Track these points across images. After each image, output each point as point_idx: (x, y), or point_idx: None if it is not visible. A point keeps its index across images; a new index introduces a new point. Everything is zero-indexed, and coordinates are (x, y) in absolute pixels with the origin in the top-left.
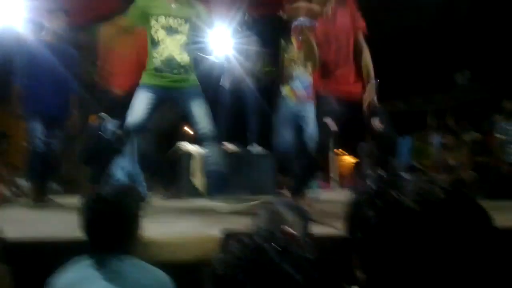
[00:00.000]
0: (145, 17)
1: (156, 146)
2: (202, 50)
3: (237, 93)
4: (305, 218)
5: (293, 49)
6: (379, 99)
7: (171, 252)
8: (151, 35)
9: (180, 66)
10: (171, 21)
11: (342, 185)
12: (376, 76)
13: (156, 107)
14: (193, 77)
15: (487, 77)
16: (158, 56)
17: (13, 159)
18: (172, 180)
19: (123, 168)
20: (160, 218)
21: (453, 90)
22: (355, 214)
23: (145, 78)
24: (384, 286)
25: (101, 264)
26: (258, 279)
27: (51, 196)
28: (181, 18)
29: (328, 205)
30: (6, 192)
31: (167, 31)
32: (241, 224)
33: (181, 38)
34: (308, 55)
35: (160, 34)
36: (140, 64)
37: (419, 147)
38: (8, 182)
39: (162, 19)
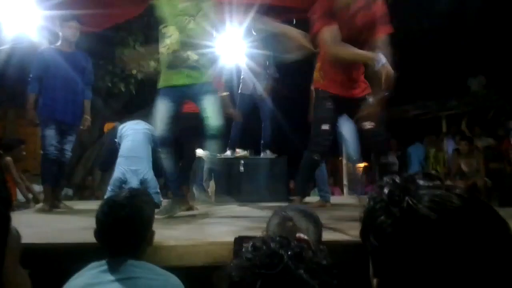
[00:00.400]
0: (160, 11)
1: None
2: (212, 50)
3: (252, 99)
4: (317, 224)
5: None
6: (391, 104)
7: (179, 257)
8: (166, 32)
9: (192, 62)
10: (185, 19)
11: (352, 190)
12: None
13: (177, 111)
14: (206, 74)
15: (502, 83)
16: (168, 50)
17: (29, 165)
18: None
19: (138, 175)
20: (170, 223)
21: (467, 96)
22: (370, 222)
23: (161, 80)
24: None
25: (114, 268)
26: (274, 285)
27: (64, 201)
28: (190, 16)
29: (339, 211)
30: (21, 197)
31: (182, 28)
32: (252, 229)
33: (191, 35)
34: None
35: (176, 32)
36: None
37: (432, 153)
38: (23, 187)
39: (177, 17)
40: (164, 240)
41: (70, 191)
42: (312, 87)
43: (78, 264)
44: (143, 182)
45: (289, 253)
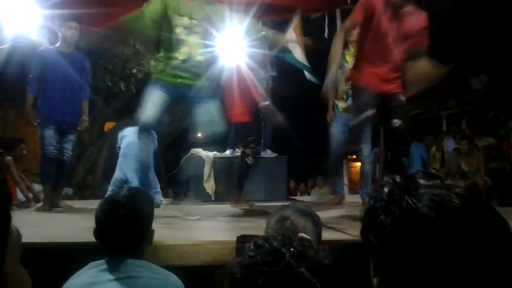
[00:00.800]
0: (164, 13)
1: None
2: (215, 52)
3: None
4: (316, 223)
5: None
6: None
7: (179, 256)
8: (171, 34)
9: (196, 66)
10: (189, 22)
11: (352, 190)
12: None
13: (169, 106)
14: (207, 77)
15: (503, 82)
16: (179, 56)
17: (29, 164)
18: (184, 186)
19: (138, 174)
20: (170, 223)
21: (468, 95)
22: (370, 221)
23: (160, 74)
24: None
25: (113, 267)
26: (276, 283)
27: (65, 201)
28: (196, 19)
29: (340, 210)
30: (21, 196)
31: (187, 31)
32: (252, 229)
33: (197, 39)
34: None
35: (181, 34)
36: None
37: (432, 153)
38: (23, 187)
39: (182, 19)
40: (164, 240)
41: (70, 191)
42: (347, 83)
43: (78, 263)
44: (143, 181)
45: (291, 251)
